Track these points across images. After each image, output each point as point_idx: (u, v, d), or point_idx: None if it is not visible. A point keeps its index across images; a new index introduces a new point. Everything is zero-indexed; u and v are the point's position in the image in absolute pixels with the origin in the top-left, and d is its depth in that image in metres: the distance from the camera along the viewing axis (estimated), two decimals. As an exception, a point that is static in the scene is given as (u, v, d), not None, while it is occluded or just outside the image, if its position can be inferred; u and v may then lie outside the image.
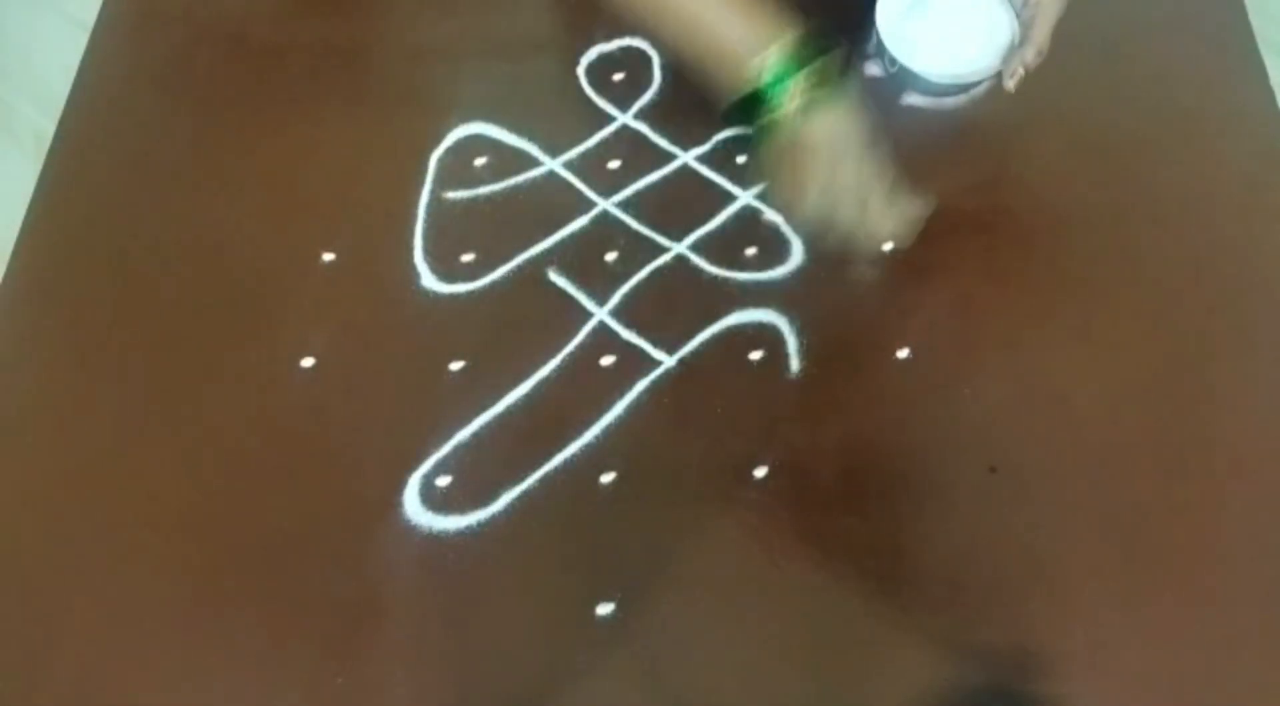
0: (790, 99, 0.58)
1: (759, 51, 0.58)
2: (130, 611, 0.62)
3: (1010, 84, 0.63)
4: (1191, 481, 0.64)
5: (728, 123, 0.61)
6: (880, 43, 0.65)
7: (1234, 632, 0.60)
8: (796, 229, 0.73)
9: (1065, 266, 0.72)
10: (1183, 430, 0.66)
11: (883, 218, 0.63)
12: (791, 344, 0.69)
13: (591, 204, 0.75)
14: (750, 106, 0.59)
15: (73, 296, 0.72)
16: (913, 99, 0.68)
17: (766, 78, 0.58)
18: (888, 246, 0.72)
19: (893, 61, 0.65)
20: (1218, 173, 0.75)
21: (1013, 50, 0.63)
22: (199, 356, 0.69)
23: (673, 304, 0.71)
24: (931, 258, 0.72)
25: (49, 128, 0.78)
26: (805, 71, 0.58)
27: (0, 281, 0.72)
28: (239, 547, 0.63)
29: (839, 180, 0.61)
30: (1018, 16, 0.64)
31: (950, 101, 0.67)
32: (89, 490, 0.65)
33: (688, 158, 0.77)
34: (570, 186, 0.75)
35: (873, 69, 0.69)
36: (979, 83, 0.65)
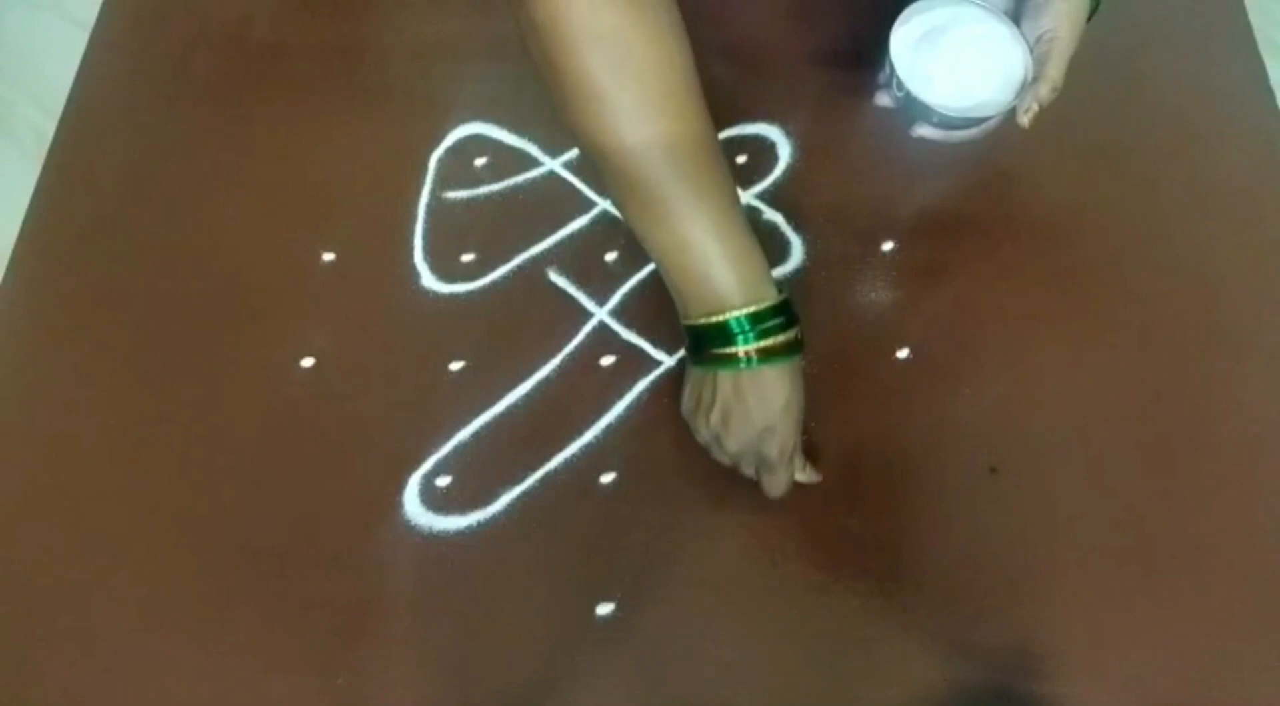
0: (749, 348, 0.57)
1: (739, 298, 0.56)
2: (129, 611, 0.62)
3: (1025, 120, 0.63)
4: (1191, 481, 0.64)
5: (688, 342, 0.60)
6: (894, 73, 0.65)
7: (1233, 632, 0.60)
8: (795, 229, 0.73)
9: (1065, 266, 0.72)
10: (1182, 430, 0.66)
11: (779, 484, 0.62)
12: (791, 344, 0.69)
13: (591, 204, 0.75)
14: (710, 336, 0.58)
15: (73, 296, 0.72)
16: (923, 131, 0.68)
17: (735, 322, 0.57)
18: (887, 246, 0.72)
19: (905, 92, 0.64)
20: (1218, 173, 0.75)
21: (1027, 85, 0.63)
22: (199, 356, 0.69)
23: (673, 304, 0.70)
24: (931, 258, 0.72)
25: (49, 128, 0.79)
26: (773, 333, 0.57)
27: (0, 281, 0.72)
28: (239, 547, 0.63)
29: (760, 444, 0.59)
30: (1031, 51, 0.64)
31: (961, 134, 0.67)
32: (88, 489, 0.65)
33: (688, 157, 0.77)
34: (570, 186, 0.75)
35: (883, 99, 0.69)
36: (991, 117, 0.65)
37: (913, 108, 0.65)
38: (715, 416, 0.60)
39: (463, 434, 0.67)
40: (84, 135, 0.79)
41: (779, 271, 0.72)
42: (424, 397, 0.68)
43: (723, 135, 0.77)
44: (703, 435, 0.62)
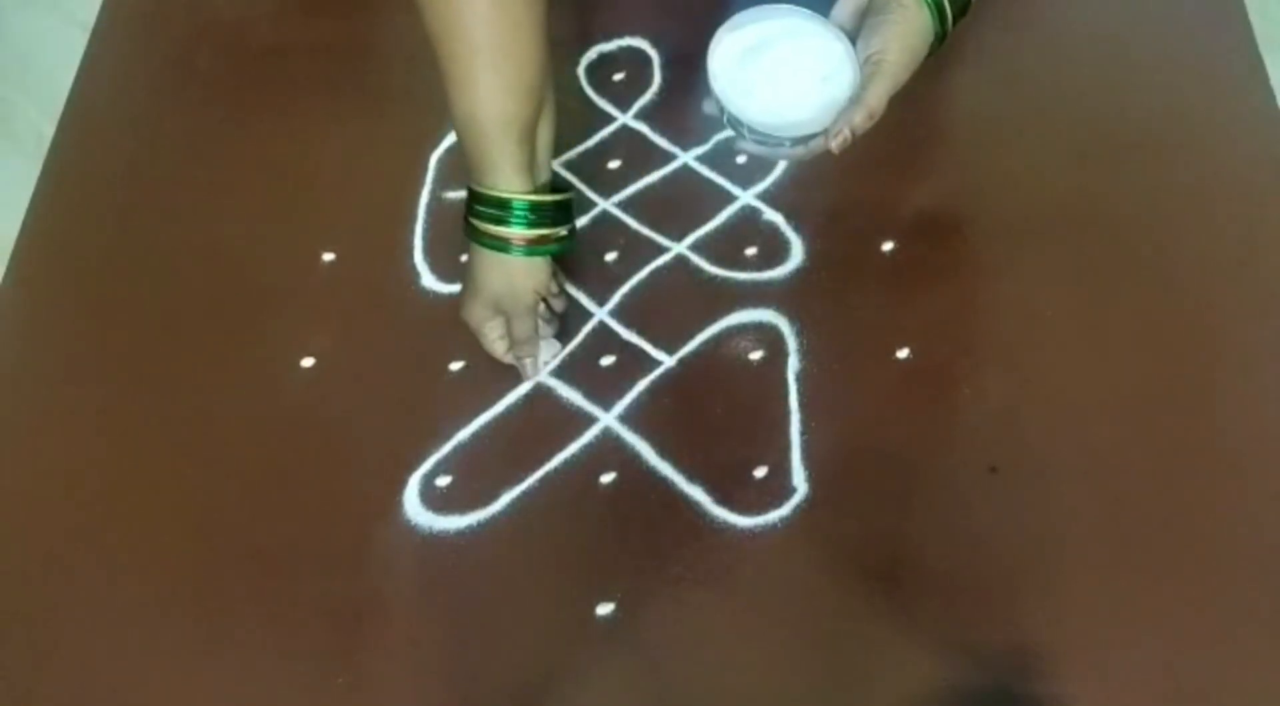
0: (522, 234, 0.61)
1: (518, 176, 0.61)
2: (130, 611, 0.62)
3: (833, 145, 0.58)
4: (1191, 481, 0.64)
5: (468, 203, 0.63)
6: (712, 85, 0.61)
7: (1234, 632, 0.60)
8: (795, 229, 0.73)
9: (1065, 266, 0.71)
10: (1182, 430, 0.66)
11: (524, 362, 0.67)
12: (791, 344, 0.69)
13: (592, 204, 0.75)
14: (489, 206, 0.61)
15: (73, 296, 0.72)
16: (744, 146, 0.64)
17: (517, 204, 0.61)
18: (887, 246, 0.72)
19: (720, 106, 0.61)
20: (1217, 173, 0.75)
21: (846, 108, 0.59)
22: (199, 356, 0.69)
23: (673, 304, 0.71)
24: (931, 258, 0.72)
25: (49, 128, 0.79)
26: (544, 223, 0.62)
27: (0, 281, 0.72)
28: (239, 547, 0.63)
29: (511, 311, 0.65)
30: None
31: (784, 152, 0.63)
32: (88, 490, 0.65)
33: (688, 158, 0.77)
34: (570, 186, 0.75)
35: (709, 107, 0.64)
36: (812, 136, 0.61)
37: (730, 121, 0.62)
38: (471, 286, 0.64)
39: (463, 434, 0.67)
40: (84, 135, 0.79)
41: (779, 271, 0.72)
42: (424, 397, 0.68)
43: (722, 135, 0.77)
44: (462, 302, 0.66)
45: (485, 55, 0.58)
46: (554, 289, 0.68)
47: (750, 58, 0.61)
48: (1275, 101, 0.77)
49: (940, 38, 0.60)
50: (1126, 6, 0.84)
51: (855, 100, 0.59)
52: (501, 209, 0.61)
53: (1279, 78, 0.78)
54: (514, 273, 0.63)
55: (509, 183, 0.61)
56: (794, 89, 0.60)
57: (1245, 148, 0.76)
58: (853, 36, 0.61)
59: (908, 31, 0.58)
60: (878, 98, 0.58)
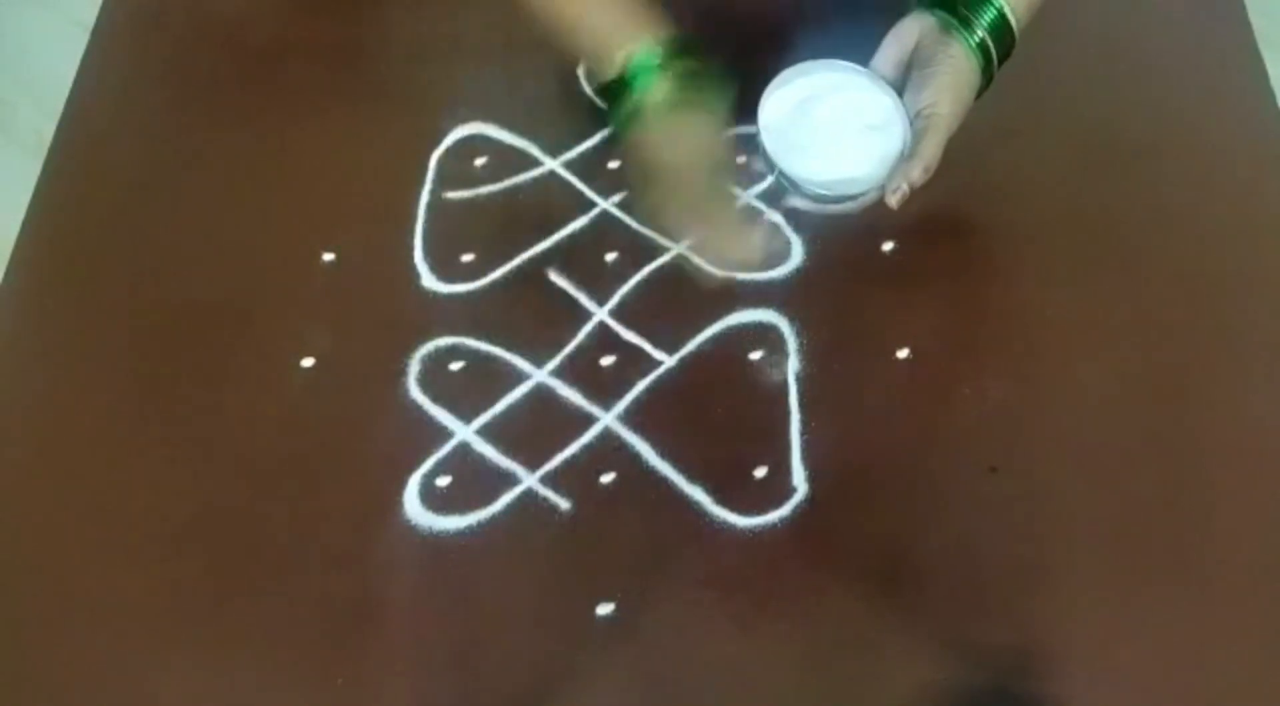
0: (655, 92, 0.58)
1: (629, 40, 0.58)
2: (130, 611, 0.62)
3: (893, 200, 0.58)
4: (1191, 481, 0.64)
5: (604, 111, 0.61)
6: (762, 144, 0.61)
7: (1233, 632, 0.60)
8: (795, 229, 0.73)
9: (1065, 266, 0.71)
10: (1182, 430, 0.66)
11: (729, 238, 0.62)
12: (791, 344, 0.69)
13: (591, 204, 0.75)
14: (616, 93, 0.59)
15: (73, 296, 0.72)
16: (795, 202, 0.63)
17: (633, 66, 0.58)
18: (887, 246, 0.72)
19: (772, 164, 0.61)
20: (1217, 173, 0.75)
21: (901, 162, 0.59)
22: (199, 356, 0.69)
23: (673, 304, 0.71)
24: (931, 258, 0.72)
25: (49, 128, 0.79)
26: (672, 69, 0.58)
27: (0, 281, 0.72)
28: (239, 547, 0.63)
29: (688, 186, 0.60)
30: (912, 126, 0.59)
31: (835, 207, 0.63)
32: (88, 490, 0.65)
33: (688, 157, 0.77)
34: (570, 186, 0.75)
35: (758, 165, 0.65)
36: (864, 193, 0.61)
37: (781, 177, 0.62)
38: (651, 177, 0.60)
39: (463, 434, 0.67)
40: (84, 135, 0.79)
41: (779, 271, 0.72)
42: (424, 398, 0.68)
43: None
44: (664, 203, 0.62)
45: None
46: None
47: (800, 114, 0.61)
48: (1275, 101, 0.77)
49: (986, 83, 0.60)
50: (1126, 7, 0.84)
51: (912, 154, 0.58)
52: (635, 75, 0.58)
53: (1279, 78, 0.78)
54: (680, 138, 0.59)
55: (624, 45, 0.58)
56: (847, 145, 0.60)
57: (1245, 148, 0.76)
58: (895, 87, 0.61)
59: (958, 83, 0.59)
60: (934, 151, 0.58)
